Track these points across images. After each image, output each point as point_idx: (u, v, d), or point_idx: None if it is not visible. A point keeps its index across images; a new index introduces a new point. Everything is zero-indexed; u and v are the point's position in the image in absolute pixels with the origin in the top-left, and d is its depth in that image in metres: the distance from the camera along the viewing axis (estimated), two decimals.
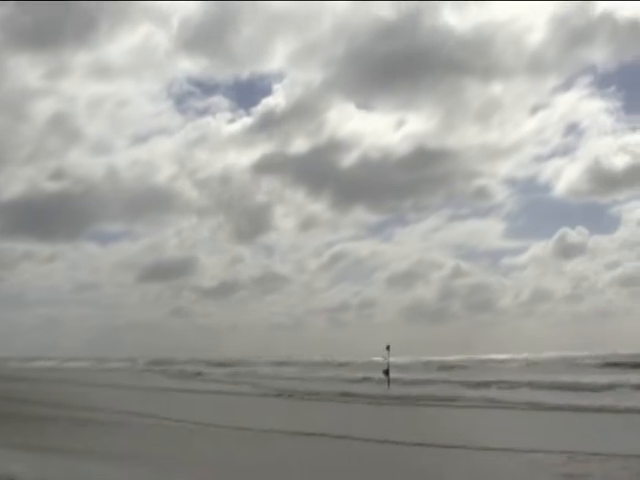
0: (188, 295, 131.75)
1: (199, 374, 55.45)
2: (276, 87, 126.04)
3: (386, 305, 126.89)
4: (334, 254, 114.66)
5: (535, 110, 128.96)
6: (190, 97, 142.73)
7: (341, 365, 63.52)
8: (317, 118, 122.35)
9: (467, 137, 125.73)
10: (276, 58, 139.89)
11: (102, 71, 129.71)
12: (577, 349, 76.36)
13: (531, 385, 31.92)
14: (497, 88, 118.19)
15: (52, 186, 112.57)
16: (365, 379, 40.17)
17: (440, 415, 22.56)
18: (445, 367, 55.77)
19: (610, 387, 29.47)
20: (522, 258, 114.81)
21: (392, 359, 34.38)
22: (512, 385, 32.39)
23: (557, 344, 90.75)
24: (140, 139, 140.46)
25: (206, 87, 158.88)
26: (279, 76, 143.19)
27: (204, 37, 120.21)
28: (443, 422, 20.71)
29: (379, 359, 35.10)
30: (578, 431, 17.56)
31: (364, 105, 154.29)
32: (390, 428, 18.60)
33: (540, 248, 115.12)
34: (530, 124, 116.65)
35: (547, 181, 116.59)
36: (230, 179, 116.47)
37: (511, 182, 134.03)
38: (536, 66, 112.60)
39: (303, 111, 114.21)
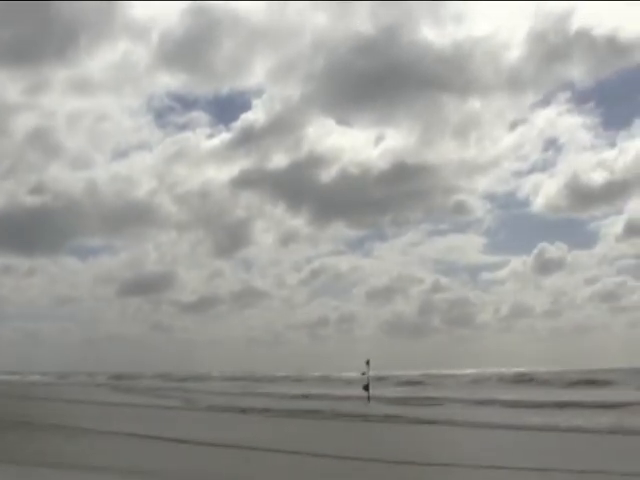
0: (167, 309, 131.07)
1: (151, 389, 54.86)
2: (255, 102, 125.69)
3: (366, 320, 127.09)
4: (313, 269, 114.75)
5: (514, 126, 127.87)
6: (170, 112, 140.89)
7: (304, 380, 63.26)
8: (296, 133, 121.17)
9: (446, 152, 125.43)
10: (255, 73, 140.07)
11: (82, 86, 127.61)
12: (556, 364, 76.17)
13: (464, 401, 32.02)
14: (475, 104, 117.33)
15: (32, 200, 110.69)
16: (304, 396, 39.78)
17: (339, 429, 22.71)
18: (403, 382, 55.76)
19: (557, 405, 28.66)
20: (501, 273, 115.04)
21: (355, 373, 35.07)
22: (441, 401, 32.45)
23: (535, 359, 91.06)
24: (120, 154, 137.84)
25: (186, 102, 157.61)
26: (258, 91, 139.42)
27: (184, 52, 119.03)
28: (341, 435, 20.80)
29: (354, 374, 36.56)
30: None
31: (343, 120, 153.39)
32: (286, 439, 19.39)
33: (519, 263, 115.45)
34: (509, 139, 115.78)
35: (526, 196, 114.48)
36: (209, 194, 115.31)
37: (490, 197, 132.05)
38: (514, 82, 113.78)
39: (282, 126, 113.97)
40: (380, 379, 54.14)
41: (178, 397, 39.69)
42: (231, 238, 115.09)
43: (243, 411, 29.10)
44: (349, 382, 55.37)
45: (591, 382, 46.05)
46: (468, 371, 73.05)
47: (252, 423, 24.96)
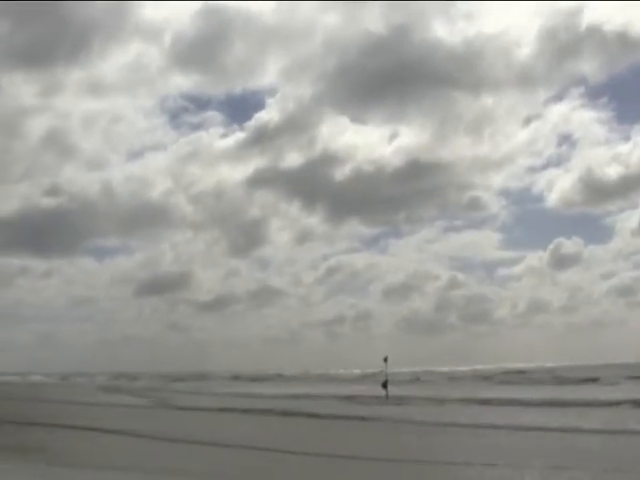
0: (184, 309, 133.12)
1: (147, 388, 54.68)
2: (269, 102, 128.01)
3: (382, 317, 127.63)
4: (329, 267, 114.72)
5: (527, 122, 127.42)
6: (184, 112, 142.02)
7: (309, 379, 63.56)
8: (310, 132, 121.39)
9: (459, 149, 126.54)
10: (268, 73, 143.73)
11: (95, 88, 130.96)
12: (572, 359, 75.50)
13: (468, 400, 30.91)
14: (488, 100, 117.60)
15: (48, 202, 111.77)
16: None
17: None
18: (406, 381, 53.94)
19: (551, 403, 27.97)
20: (518, 269, 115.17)
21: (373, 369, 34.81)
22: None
23: (552, 354, 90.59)
24: (134, 154, 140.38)
25: (199, 102, 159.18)
26: (271, 91, 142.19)
27: (197, 53, 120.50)
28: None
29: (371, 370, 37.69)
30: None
31: (357, 118, 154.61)
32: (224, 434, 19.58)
33: (535, 259, 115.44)
34: (522, 135, 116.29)
35: (540, 192, 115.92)
36: (224, 193, 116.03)
37: (505, 193, 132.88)
38: (526, 78, 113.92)
39: (296, 125, 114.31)
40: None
41: (153, 397, 39.20)
42: (246, 237, 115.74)
43: (210, 410, 28.83)
44: (363, 378, 58.72)
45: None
46: (480, 367, 72.82)
47: (222, 421, 24.81)
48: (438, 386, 47.60)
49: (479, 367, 75.33)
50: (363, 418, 23.27)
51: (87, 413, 27.84)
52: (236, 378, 70.69)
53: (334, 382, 61.47)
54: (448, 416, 23.71)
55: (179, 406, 31.50)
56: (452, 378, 61.13)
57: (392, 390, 33.37)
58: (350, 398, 34.66)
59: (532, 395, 32.28)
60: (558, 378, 51.08)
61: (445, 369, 73.72)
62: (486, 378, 56.52)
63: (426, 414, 24.75)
